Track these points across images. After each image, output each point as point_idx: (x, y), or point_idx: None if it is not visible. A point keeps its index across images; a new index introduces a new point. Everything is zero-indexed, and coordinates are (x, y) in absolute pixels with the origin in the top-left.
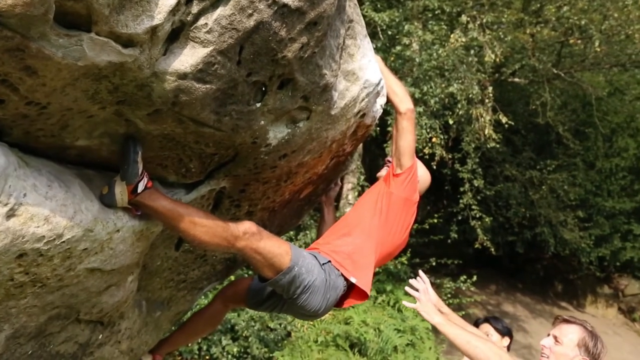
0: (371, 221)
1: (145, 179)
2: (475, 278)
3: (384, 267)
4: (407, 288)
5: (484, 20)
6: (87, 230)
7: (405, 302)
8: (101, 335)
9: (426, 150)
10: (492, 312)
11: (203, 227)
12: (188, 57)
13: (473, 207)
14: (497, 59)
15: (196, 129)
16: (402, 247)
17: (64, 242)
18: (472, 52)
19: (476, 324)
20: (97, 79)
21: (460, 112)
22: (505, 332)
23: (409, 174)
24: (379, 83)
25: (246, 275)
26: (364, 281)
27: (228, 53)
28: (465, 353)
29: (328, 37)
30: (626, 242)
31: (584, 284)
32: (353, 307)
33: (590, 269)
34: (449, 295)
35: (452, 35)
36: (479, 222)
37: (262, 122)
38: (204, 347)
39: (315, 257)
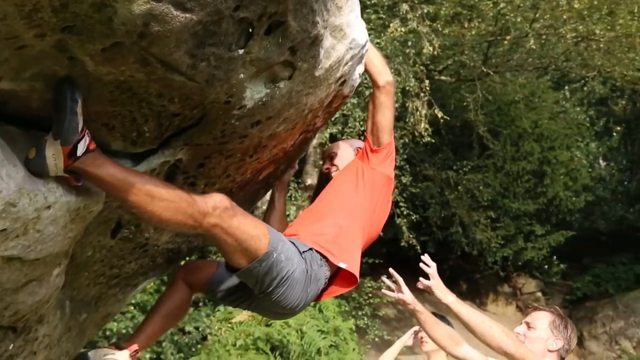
0: (355, 199)
1: (86, 138)
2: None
3: None
4: (421, 264)
5: (425, 11)
6: (7, 204)
7: (422, 280)
8: (12, 346)
9: None
10: (402, 312)
11: (163, 201)
12: None
13: (400, 204)
14: (435, 52)
15: (164, 74)
16: (381, 228)
17: None
18: (409, 43)
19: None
20: None
21: (395, 105)
22: None
23: (389, 150)
24: (364, 45)
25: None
26: (354, 266)
27: None
28: (479, 333)
29: None
30: (528, 242)
31: (487, 283)
32: None
33: (494, 269)
34: (369, 295)
35: (391, 25)
36: (405, 220)
37: (242, 76)
38: None
39: (293, 243)
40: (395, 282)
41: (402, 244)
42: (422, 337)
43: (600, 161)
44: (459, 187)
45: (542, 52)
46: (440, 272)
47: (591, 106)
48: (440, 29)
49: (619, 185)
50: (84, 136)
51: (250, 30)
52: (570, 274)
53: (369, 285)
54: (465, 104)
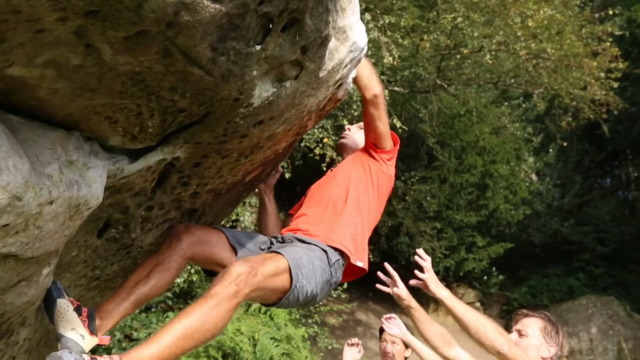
0: (366, 197)
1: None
2: (345, 286)
3: None
4: (416, 257)
5: (386, 22)
6: (14, 197)
7: (416, 272)
8: None
9: (317, 151)
10: (347, 321)
11: (205, 323)
12: None
13: None
14: (395, 62)
15: (183, 67)
16: None
17: None
18: (369, 53)
19: (383, 328)
20: None
21: (355, 114)
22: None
23: (393, 154)
24: (363, 49)
25: None
26: (366, 262)
27: None
28: (473, 331)
29: None
30: (469, 253)
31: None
32: None
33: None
34: (320, 303)
35: None
36: None
37: (255, 73)
38: None
39: (325, 252)
40: (391, 277)
41: None
42: (386, 353)
43: (533, 176)
44: (407, 198)
45: (492, 67)
46: (384, 282)
47: (529, 123)
48: (399, 40)
49: (554, 200)
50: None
51: (270, 26)
52: (506, 285)
53: None
54: (419, 114)
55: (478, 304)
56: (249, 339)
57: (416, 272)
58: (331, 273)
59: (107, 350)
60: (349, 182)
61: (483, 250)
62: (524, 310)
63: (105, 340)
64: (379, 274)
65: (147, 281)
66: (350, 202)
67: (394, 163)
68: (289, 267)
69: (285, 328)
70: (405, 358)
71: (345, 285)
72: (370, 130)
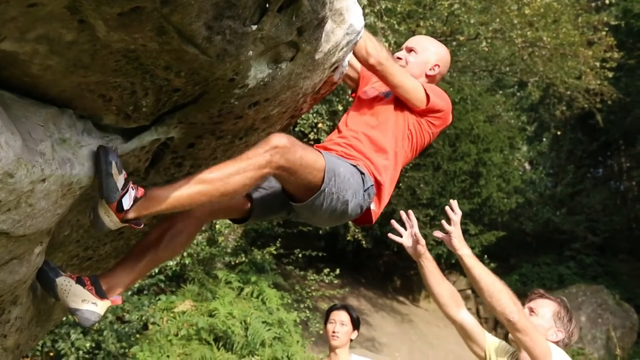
0: (403, 145)
1: (132, 192)
2: (338, 271)
3: (249, 258)
4: (447, 208)
5: (383, 7)
6: (5, 174)
7: (443, 223)
8: None
9: (311, 136)
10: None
11: (232, 176)
12: None
13: None
14: (391, 48)
15: (178, 46)
16: None
17: None
18: None
19: (331, 309)
20: None
21: (351, 100)
22: (357, 325)
23: (433, 110)
24: (359, 32)
25: None
26: (378, 213)
27: None
28: (487, 294)
29: None
30: None
31: (419, 279)
32: (218, 298)
33: None
34: (312, 288)
35: None
36: None
37: (250, 53)
38: (48, 343)
39: (362, 174)
40: (405, 224)
41: (348, 238)
42: (334, 333)
43: (526, 165)
44: (401, 184)
45: (487, 55)
46: (376, 268)
47: (524, 111)
48: (395, 25)
49: (547, 189)
50: (127, 190)
51: (267, 5)
52: (498, 273)
53: (312, 278)
54: None
55: (469, 292)
56: (241, 323)
57: (443, 222)
58: (364, 196)
59: (100, 332)
60: (393, 124)
61: (475, 238)
62: (541, 291)
63: (118, 300)
64: (392, 222)
65: (158, 244)
66: (390, 145)
67: (436, 120)
68: (325, 169)
69: (277, 312)
70: (351, 340)
71: (338, 270)
72: (398, 95)
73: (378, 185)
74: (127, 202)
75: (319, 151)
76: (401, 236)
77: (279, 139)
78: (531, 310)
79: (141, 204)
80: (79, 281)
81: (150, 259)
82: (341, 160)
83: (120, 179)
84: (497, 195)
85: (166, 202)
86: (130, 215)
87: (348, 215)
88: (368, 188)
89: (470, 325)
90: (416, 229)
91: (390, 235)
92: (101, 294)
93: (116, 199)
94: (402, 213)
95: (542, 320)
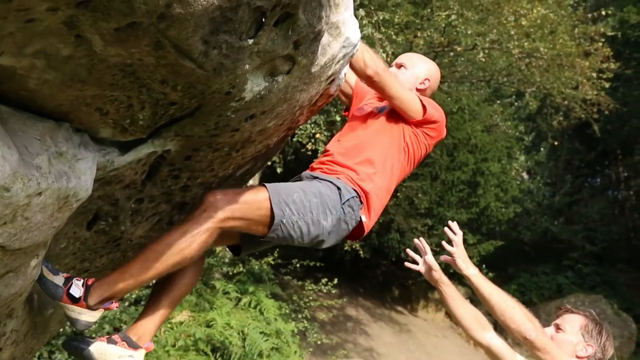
0: (399, 157)
1: (77, 282)
2: (336, 281)
3: (247, 268)
4: (446, 229)
5: (380, 18)
6: (2, 188)
7: (445, 245)
8: None
9: (309, 146)
10: (337, 317)
11: (183, 250)
12: None
13: None
14: (388, 59)
15: (175, 60)
16: None
17: None
18: None
19: None
20: None
21: None
22: None
23: (428, 121)
24: (356, 45)
25: None
26: (370, 224)
27: None
28: (499, 312)
29: None
30: None
31: (417, 289)
32: (216, 308)
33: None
34: (310, 298)
35: None
36: None
37: (247, 67)
38: (45, 354)
39: (338, 189)
40: (420, 251)
41: (346, 248)
42: None
43: (524, 175)
44: (399, 194)
45: (485, 65)
46: (374, 278)
47: (521, 121)
48: (393, 36)
49: (545, 198)
50: (71, 284)
51: (263, 20)
52: (496, 283)
53: (310, 288)
54: None
55: (468, 301)
56: (239, 333)
57: (444, 244)
58: (343, 210)
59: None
60: (386, 136)
61: (473, 247)
62: (568, 306)
63: (151, 346)
64: (408, 251)
65: (173, 284)
66: (382, 158)
67: (431, 132)
68: (270, 201)
69: (274, 323)
70: None
71: (336, 280)
72: (394, 108)
73: (365, 194)
74: (77, 292)
75: (263, 185)
76: (417, 264)
77: (211, 195)
78: (558, 327)
79: (102, 288)
80: (110, 341)
81: (170, 301)
82: (307, 182)
83: (57, 279)
84: (495, 205)
85: (124, 286)
86: (92, 301)
87: (328, 232)
88: (347, 200)
89: (498, 348)
90: (429, 256)
91: (407, 264)
92: (134, 346)
93: (63, 292)
94: (416, 241)
95: (570, 335)
